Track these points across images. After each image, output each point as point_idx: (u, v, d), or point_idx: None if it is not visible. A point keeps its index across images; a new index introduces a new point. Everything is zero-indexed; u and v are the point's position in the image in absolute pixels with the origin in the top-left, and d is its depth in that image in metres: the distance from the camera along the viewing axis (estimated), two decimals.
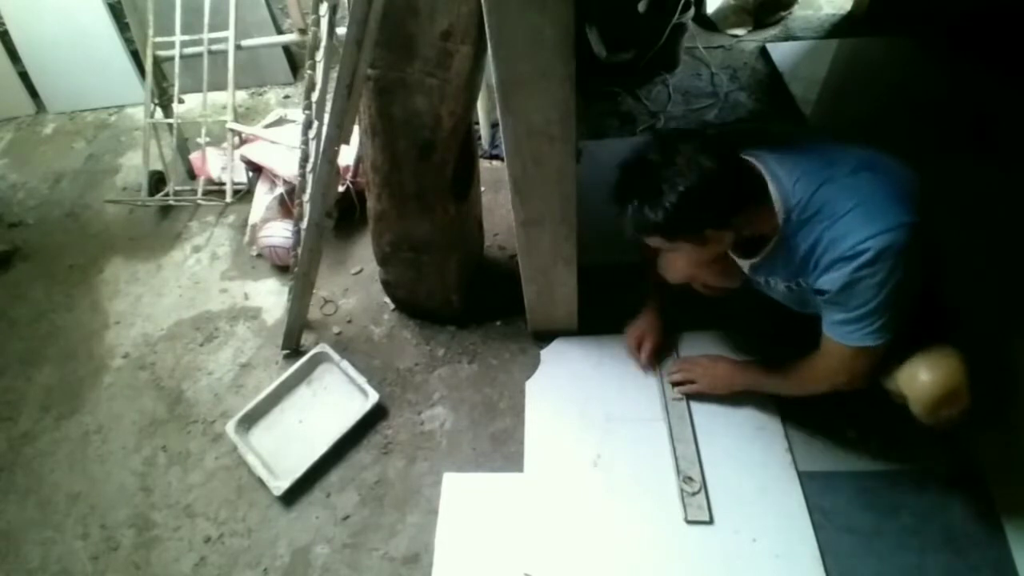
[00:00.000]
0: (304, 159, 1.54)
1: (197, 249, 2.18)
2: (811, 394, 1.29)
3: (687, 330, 1.68)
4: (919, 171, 1.14)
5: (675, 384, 1.55)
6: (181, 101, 2.29)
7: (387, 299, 1.89)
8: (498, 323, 1.80)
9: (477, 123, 2.20)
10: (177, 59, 2.21)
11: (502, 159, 1.92)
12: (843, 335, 1.13)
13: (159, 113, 2.29)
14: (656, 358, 1.61)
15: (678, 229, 1.11)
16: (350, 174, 1.97)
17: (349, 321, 1.87)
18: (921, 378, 1.14)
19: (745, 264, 1.26)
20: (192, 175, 2.36)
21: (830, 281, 1.08)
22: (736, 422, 1.49)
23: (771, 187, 1.11)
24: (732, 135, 1.28)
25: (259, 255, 2.08)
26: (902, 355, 1.18)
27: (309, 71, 1.44)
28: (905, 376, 1.17)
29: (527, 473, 1.49)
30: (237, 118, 2.28)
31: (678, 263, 1.35)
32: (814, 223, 1.08)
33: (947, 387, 1.12)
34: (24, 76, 2.81)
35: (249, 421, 1.64)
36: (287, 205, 2.03)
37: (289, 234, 1.82)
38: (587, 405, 1.58)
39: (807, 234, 1.09)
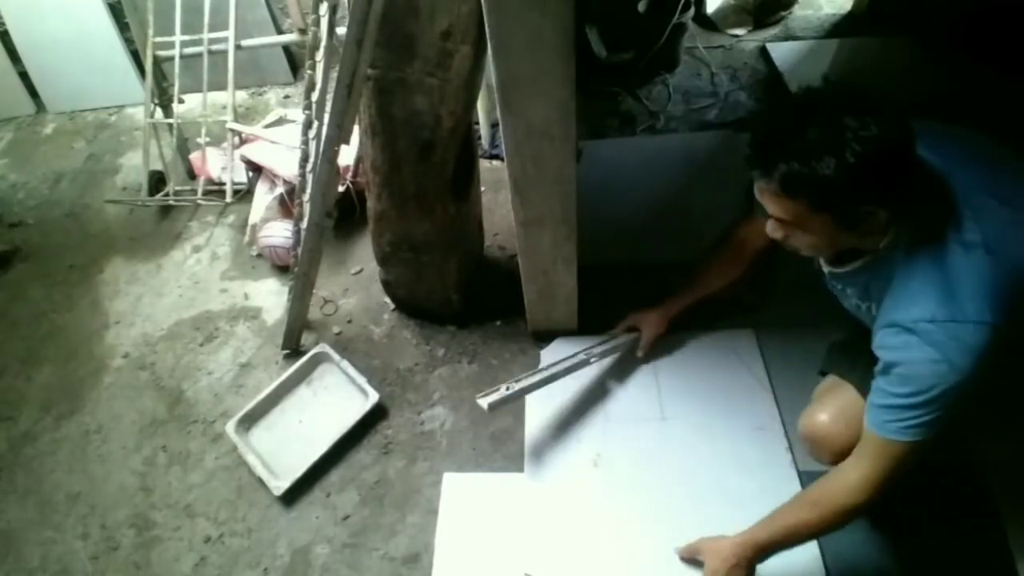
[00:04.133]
0: (304, 159, 1.54)
1: (197, 249, 2.18)
2: (846, 514, 1.03)
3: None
4: None
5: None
6: (181, 101, 2.29)
7: (387, 299, 1.89)
8: (498, 323, 1.80)
9: (477, 123, 2.20)
10: (177, 59, 2.21)
11: (502, 159, 1.92)
12: (880, 423, 0.97)
13: (159, 113, 2.29)
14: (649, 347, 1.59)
15: (845, 192, 0.87)
16: (350, 174, 1.97)
17: (349, 321, 1.87)
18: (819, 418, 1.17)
19: (826, 268, 1.14)
20: (192, 175, 2.36)
21: (881, 345, 0.96)
22: (735, 422, 1.49)
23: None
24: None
25: (259, 255, 2.08)
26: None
27: (309, 71, 1.44)
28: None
29: (527, 473, 1.49)
30: (237, 118, 2.28)
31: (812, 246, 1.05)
32: (911, 267, 0.94)
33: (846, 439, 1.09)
34: (24, 76, 2.81)
35: (249, 421, 1.64)
36: (287, 205, 2.03)
37: (289, 234, 1.82)
38: (587, 405, 1.58)
39: (896, 272, 0.96)
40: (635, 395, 1.58)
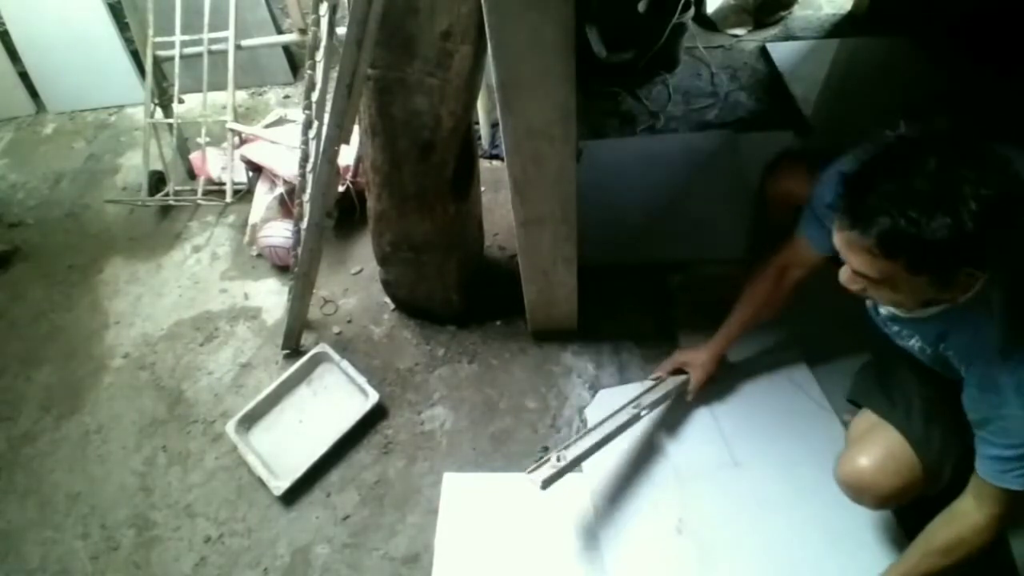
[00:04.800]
0: (304, 159, 1.54)
1: (197, 249, 2.18)
2: (971, 548, 1.00)
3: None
4: None
5: None
6: (181, 101, 2.29)
7: (387, 299, 1.89)
8: (498, 323, 1.80)
9: (477, 123, 2.20)
10: (177, 59, 2.21)
11: (502, 159, 1.92)
12: (994, 474, 0.93)
13: (159, 113, 2.29)
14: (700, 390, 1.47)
15: (955, 257, 0.78)
16: (350, 174, 1.97)
17: (349, 321, 1.87)
18: (860, 462, 1.15)
19: (887, 310, 1.07)
20: (192, 175, 2.36)
21: (978, 399, 0.92)
22: (810, 453, 1.40)
23: None
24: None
25: (259, 255, 2.08)
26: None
27: (309, 71, 1.44)
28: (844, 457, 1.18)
29: (604, 547, 1.34)
30: (237, 118, 2.28)
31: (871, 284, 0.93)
32: (1008, 324, 0.88)
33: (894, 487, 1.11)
34: (24, 76, 2.81)
35: (249, 421, 1.64)
36: (287, 205, 2.03)
37: (289, 234, 1.82)
38: (649, 459, 1.46)
39: (984, 325, 0.90)
40: (698, 441, 1.47)
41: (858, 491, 1.17)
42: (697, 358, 1.45)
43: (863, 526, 1.31)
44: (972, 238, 0.74)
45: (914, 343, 1.06)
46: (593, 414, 1.56)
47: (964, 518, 0.99)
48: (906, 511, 1.28)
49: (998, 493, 0.94)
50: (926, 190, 0.75)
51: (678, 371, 1.49)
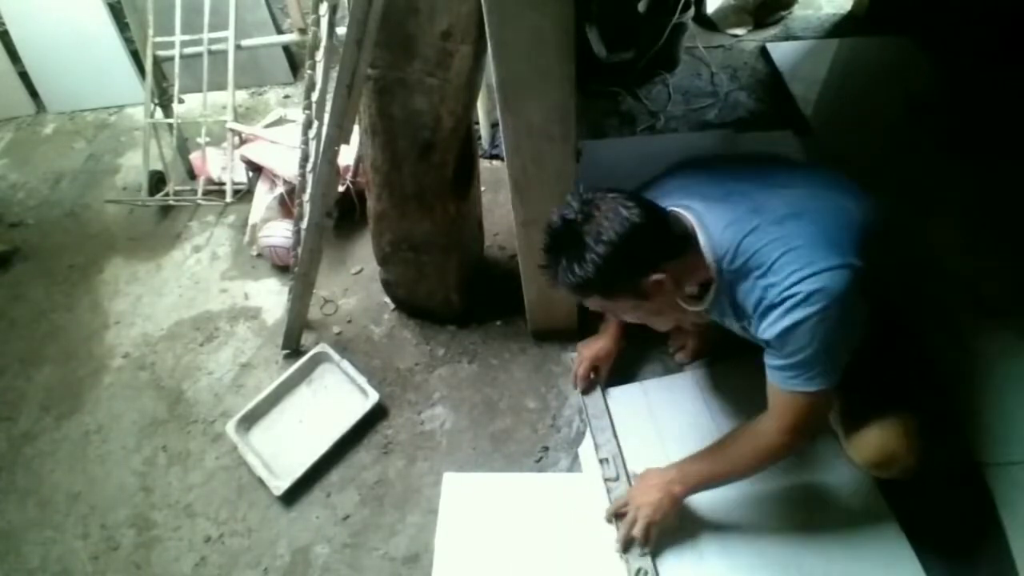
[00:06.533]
0: (304, 159, 1.54)
1: (197, 249, 2.18)
2: (764, 463, 1.19)
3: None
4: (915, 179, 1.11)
5: (626, 541, 1.30)
6: (181, 101, 2.29)
7: (387, 299, 1.89)
8: (498, 323, 1.80)
9: (477, 123, 2.20)
10: (177, 59, 2.21)
11: (502, 159, 1.92)
12: (783, 380, 1.08)
13: (159, 113, 2.29)
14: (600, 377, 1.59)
15: (612, 283, 1.04)
16: (350, 174, 1.97)
17: (349, 321, 1.87)
18: (865, 439, 1.17)
19: (696, 309, 1.20)
20: (192, 175, 2.36)
21: (768, 330, 1.05)
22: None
23: (699, 235, 1.07)
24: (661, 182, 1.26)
25: (259, 255, 2.08)
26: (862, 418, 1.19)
27: (309, 71, 1.44)
28: (855, 438, 1.20)
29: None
30: (237, 118, 2.28)
31: (655, 318, 1.21)
32: (745, 272, 1.05)
33: (885, 451, 1.15)
34: (24, 76, 2.82)
35: (249, 421, 1.64)
36: (287, 205, 2.03)
37: (289, 234, 1.82)
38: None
39: (741, 283, 1.07)
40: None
41: (881, 467, 1.18)
42: (602, 349, 1.56)
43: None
44: (610, 269, 1.00)
45: (733, 326, 1.20)
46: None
47: (762, 437, 1.15)
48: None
49: (789, 402, 1.09)
50: (571, 253, 1.02)
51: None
